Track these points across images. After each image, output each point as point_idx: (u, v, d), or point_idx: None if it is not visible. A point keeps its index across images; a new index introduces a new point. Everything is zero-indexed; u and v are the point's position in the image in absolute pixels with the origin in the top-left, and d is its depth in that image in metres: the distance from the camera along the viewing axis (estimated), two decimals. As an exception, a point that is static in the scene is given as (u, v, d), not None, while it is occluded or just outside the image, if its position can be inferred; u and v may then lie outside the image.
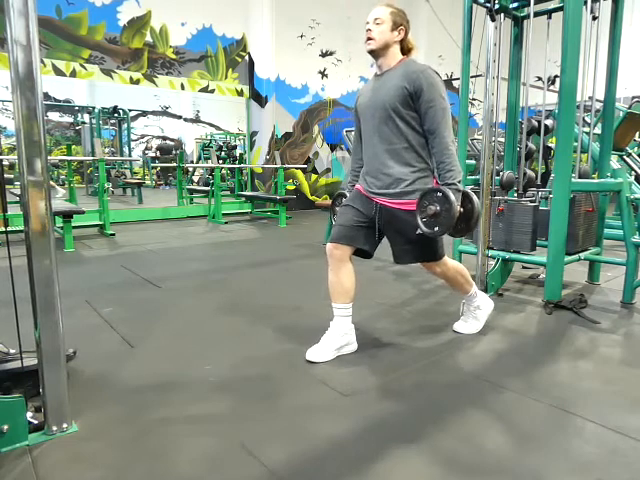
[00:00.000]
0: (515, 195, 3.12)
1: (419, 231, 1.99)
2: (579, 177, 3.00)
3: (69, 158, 7.30)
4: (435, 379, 1.94)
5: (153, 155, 14.38)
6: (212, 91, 7.53)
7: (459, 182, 1.96)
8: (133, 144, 14.63)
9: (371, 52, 2.04)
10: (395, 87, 1.98)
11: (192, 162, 14.22)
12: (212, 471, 1.35)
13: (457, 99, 3.40)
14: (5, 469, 1.35)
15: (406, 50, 2.08)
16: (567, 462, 1.39)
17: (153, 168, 15.02)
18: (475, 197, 2.01)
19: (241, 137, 14.14)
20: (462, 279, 2.33)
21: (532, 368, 2.03)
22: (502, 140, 5.82)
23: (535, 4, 2.96)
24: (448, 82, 10.49)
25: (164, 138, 13.89)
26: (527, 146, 3.11)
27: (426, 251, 2.14)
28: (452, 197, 1.87)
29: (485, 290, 3.02)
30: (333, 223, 2.41)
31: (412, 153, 2.03)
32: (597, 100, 3.19)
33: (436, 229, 1.92)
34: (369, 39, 2.00)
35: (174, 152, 14.36)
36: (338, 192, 2.48)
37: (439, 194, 1.90)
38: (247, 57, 7.85)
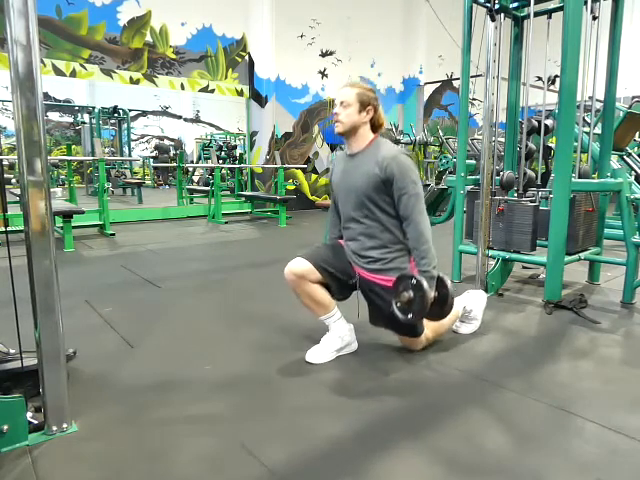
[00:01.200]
0: (515, 195, 3.12)
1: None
2: (579, 177, 3.00)
3: (69, 158, 7.31)
4: (435, 379, 1.94)
5: (152, 155, 14.38)
6: (212, 91, 7.53)
7: (434, 268, 1.95)
8: (133, 144, 14.63)
9: (339, 134, 2.05)
10: (367, 174, 1.98)
11: (192, 162, 14.22)
12: (212, 471, 1.35)
13: (457, 99, 3.40)
14: (5, 469, 1.35)
15: (377, 126, 2.08)
16: (567, 462, 1.39)
17: (154, 168, 15.04)
18: (449, 282, 2.00)
19: (241, 137, 14.14)
20: (447, 328, 2.30)
21: (532, 368, 2.03)
22: (502, 140, 5.82)
23: (535, 4, 2.96)
24: (448, 82, 10.50)
25: (161, 138, 13.89)
26: (527, 146, 3.11)
27: (404, 327, 2.09)
28: (425, 285, 1.87)
29: (485, 290, 3.02)
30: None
31: (387, 235, 2.03)
32: (597, 100, 3.18)
33: (409, 316, 1.93)
34: (337, 122, 2.01)
35: (174, 152, 14.37)
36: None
37: (413, 281, 1.90)
38: (247, 57, 7.85)
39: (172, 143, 17.31)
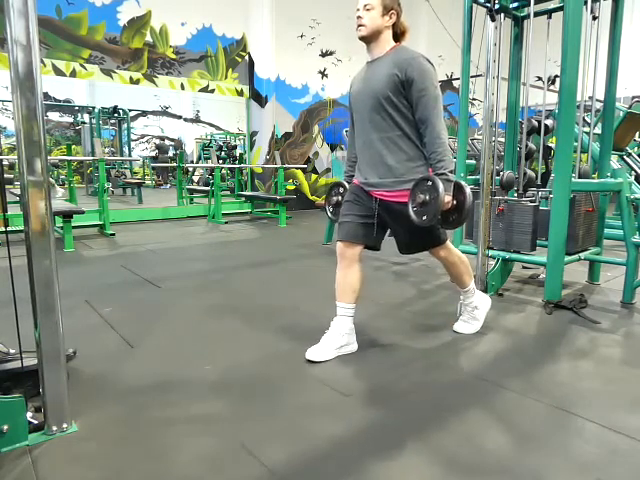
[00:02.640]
0: (515, 195, 3.12)
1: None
2: (579, 177, 3.00)
3: (69, 158, 7.30)
4: (435, 379, 1.94)
5: (152, 155, 14.37)
6: (212, 91, 7.53)
7: (450, 172, 1.94)
8: (133, 144, 14.63)
9: (362, 38, 2.01)
10: (386, 75, 1.95)
11: (192, 162, 14.22)
12: (212, 471, 1.35)
13: (457, 99, 3.40)
14: (5, 469, 1.35)
15: (399, 34, 2.05)
16: (567, 462, 1.39)
17: (153, 168, 15.04)
18: (468, 188, 2.00)
19: (241, 137, 14.14)
20: (463, 268, 2.31)
21: (532, 368, 2.03)
22: (502, 140, 5.82)
23: (535, 4, 2.96)
24: (448, 82, 10.50)
25: (162, 138, 13.88)
26: (527, 146, 3.11)
27: (428, 239, 2.14)
28: (440, 186, 1.86)
29: (485, 290, 3.02)
30: (329, 213, 2.41)
31: (406, 141, 2.01)
32: (597, 100, 3.18)
33: (424, 218, 1.92)
34: (360, 26, 1.98)
35: (173, 152, 14.35)
36: (334, 182, 2.45)
37: (429, 183, 1.90)
38: (247, 57, 7.85)
39: (172, 143, 17.32)
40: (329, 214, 2.43)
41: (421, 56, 1.96)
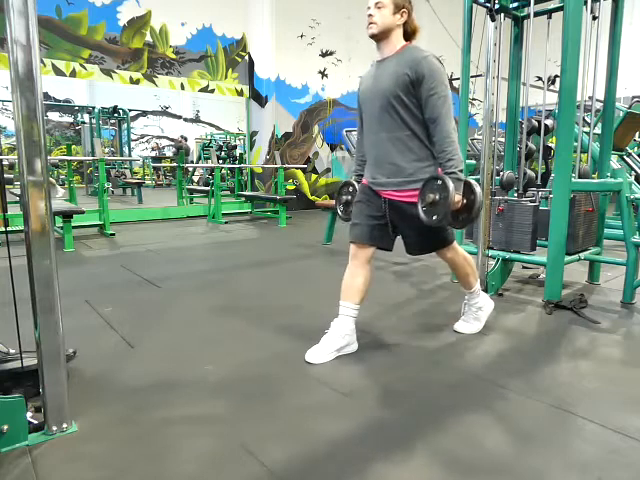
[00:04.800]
0: (515, 195, 3.12)
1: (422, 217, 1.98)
2: (579, 177, 3.00)
3: (69, 158, 7.30)
4: (435, 379, 1.94)
5: (172, 155, 14.23)
6: (212, 91, 7.53)
7: (460, 171, 1.93)
8: (133, 144, 14.62)
9: (373, 36, 2.01)
10: (396, 74, 1.95)
11: (192, 162, 14.19)
12: (212, 471, 1.35)
13: (457, 99, 3.41)
14: (5, 469, 1.35)
15: (410, 33, 2.04)
16: (567, 462, 1.39)
17: (156, 168, 15.03)
18: (478, 187, 1.99)
19: (241, 137, 14.13)
20: (470, 269, 2.31)
21: (532, 368, 2.03)
22: (502, 140, 5.82)
23: (535, 4, 2.96)
24: (448, 82, 10.48)
25: (184, 138, 13.76)
26: (527, 146, 3.11)
27: (436, 240, 2.14)
28: (451, 186, 1.85)
29: (485, 290, 3.02)
30: (340, 212, 2.41)
31: (415, 141, 2.00)
32: (597, 100, 3.18)
33: (434, 218, 1.91)
34: (370, 23, 1.97)
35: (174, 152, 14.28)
36: (345, 181, 2.44)
37: (439, 182, 1.89)
38: (247, 57, 7.85)
39: (172, 143, 17.31)
40: (340, 213, 2.43)
41: (432, 55, 1.96)
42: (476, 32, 3.15)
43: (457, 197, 1.91)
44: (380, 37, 2.01)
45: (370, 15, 1.97)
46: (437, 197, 1.88)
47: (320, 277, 3.70)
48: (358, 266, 2.13)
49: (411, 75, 1.92)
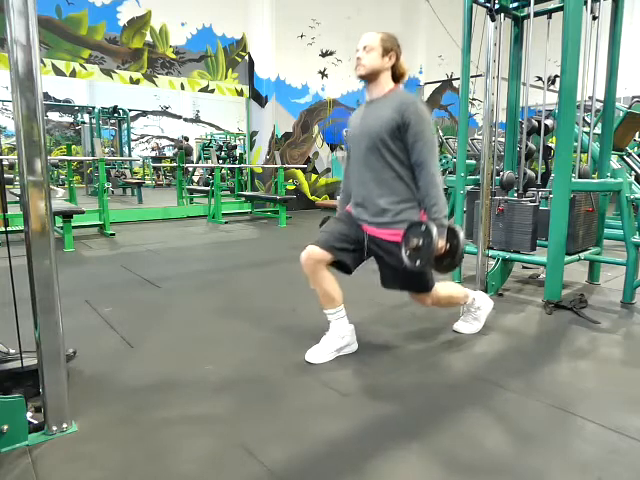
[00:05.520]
0: (515, 195, 3.12)
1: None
2: (579, 177, 3.00)
3: (69, 158, 7.30)
4: (435, 379, 1.94)
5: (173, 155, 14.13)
6: (212, 91, 7.53)
7: (444, 217, 1.95)
8: (133, 144, 14.62)
9: (361, 77, 2.04)
10: (383, 118, 1.98)
11: (192, 162, 14.18)
12: (212, 471, 1.35)
13: (457, 99, 3.40)
14: (5, 469, 1.35)
15: (398, 75, 2.07)
16: (567, 462, 1.39)
17: (156, 168, 15.02)
18: (461, 233, 1.99)
19: (241, 137, 14.13)
20: (456, 299, 2.32)
21: (532, 368, 2.03)
22: (502, 140, 5.82)
23: (535, 4, 2.96)
24: (448, 82, 10.50)
25: (185, 138, 13.73)
26: (527, 146, 3.11)
27: (415, 282, 2.10)
28: (434, 231, 1.85)
29: (485, 290, 3.02)
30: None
31: (399, 183, 2.01)
32: (597, 100, 3.18)
33: (417, 263, 1.91)
34: (359, 65, 2.00)
35: (174, 152, 14.24)
36: (324, 218, 2.39)
37: (423, 228, 1.89)
38: (247, 57, 7.85)
39: (172, 143, 17.30)
40: None
41: (419, 101, 2.00)
42: (476, 32, 3.15)
43: (441, 243, 1.92)
44: (368, 79, 2.04)
45: (358, 58, 2.01)
46: (420, 242, 1.89)
47: (320, 277, 3.70)
48: (315, 271, 2.05)
49: (398, 120, 1.94)
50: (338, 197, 2.37)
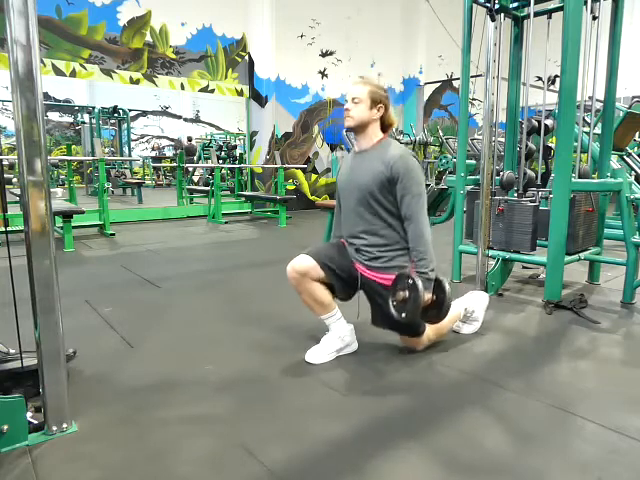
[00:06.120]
0: (515, 195, 3.12)
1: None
2: (579, 177, 3.00)
3: (69, 158, 7.30)
4: (435, 379, 1.94)
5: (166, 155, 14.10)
6: (212, 91, 7.53)
7: (431, 271, 1.95)
8: (133, 144, 14.62)
9: (349, 129, 2.06)
10: (372, 171, 1.99)
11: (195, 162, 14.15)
12: (212, 471, 1.35)
13: (457, 99, 3.40)
14: (5, 469, 1.35)
15: (387, 125, 2.08)
16: (567, 462, 1.39)
17: (156, 168, 15.02)
18: (447, 286, 1.99)
19: (241, 137, 14.13)
20: (448, 328, 2.30)
21: (532, 368, 2.03)
22: (502, 140, 5.82)
23: (535, 4, 2.96)
24: (448, 82, 10.50)
25: (189, 138, 13.70)
26: (527, 146, 3.11)
27: (405, 327, 2.09)
28: (420, 286, 1.87)
29: (485, 290, 3.02)
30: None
31: (390, 232, 2.03)
32: (597, 100, 3.18)
33: (403, 315, 1.93)
34: (347, 117, 2.02)
35: (175, 152, 14.23)
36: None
37: (410, 281, 1.90)
38: (247, 57, 7.85)
39: (172, 143, 17.30)
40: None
41: (407, 153, 2.01)
42: (476, 32, 3.15)
43: (427, 296, 1.93)
44: (357, 130, 2.06)
45: (347, 109, 2.02)
46: (407, 295, 1.90)
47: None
48: (303, 283, 2.04)
49: (387, 173, 1.96)
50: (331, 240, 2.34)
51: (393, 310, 1.96)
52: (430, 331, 2.17)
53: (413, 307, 1.89)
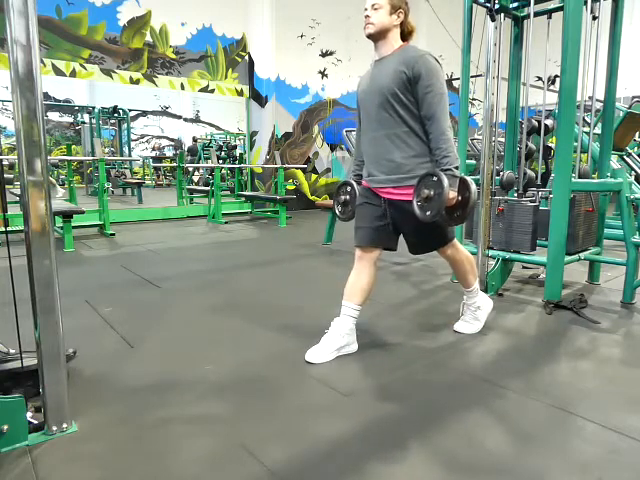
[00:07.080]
0: (515, 195, 3.12)
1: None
2: (579, 177, 3.00)
3: (69, 158, 7.29)
4: (435, 379, 1.94)
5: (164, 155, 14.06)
6: (212, 91, 7.53)
7: (456, 168, 1.94)
8: (133, 144, 14.62)
9: (370, 36, 2.03)
10: (393, 72, 1.97)
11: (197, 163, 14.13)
12: (212, 471, 1.35)
13: (457, 99, 3.41)
14: (5, 469, 1.35)
15: (407, 33, 2.07)
16: (567, 462, 1.39)
17: (156, 168, 15.02)
18: (473, 185, 1.98)
19: (241, 137, 14.12)
20: (469, 267, 2.33)
21: (532, 368, 2.03)
22: (502, 140, 5.82)
23: (535, 4, 2.96)
24: (448, 82, 10.49)
25: (194, 139, 13.68)
26: (527, 146, 3.11)
27: (436, 238, 2.16)
28: (445, 182, 1.85)
29: (485, 290, 3.02)
30: (337, 212, 2.41)
31: (413, 137, 2.01)
32: (597, 100, 3.18)
33: (428, 213, 1.91)
34: (368, 24, 2.00)
35: (175, 152, 14.20)
36: (343, 181, 2.42)
37: (434, 178, 1.89)
38: (247, 57, 7.85)
39: (172, 143, 17.30)
40: (338, 213, 2.42)
41: (428, 54, 1.98)
42: (476, 32, 3.15)
43: (452, 194, 1.92)
44: (377, 37, 2.03)
45: (367, 16, 2.00)
46: (432, 193, 1.89)
47: (320, 277, 3.70)
48: (365, 266, 2.15)
49: (408, 73, 1.93)
50: (351, 169, 2.38)
51: (417, 209, 1.93)
52: (461, 251, 2.26)
53: (438, 204, 1.87)
